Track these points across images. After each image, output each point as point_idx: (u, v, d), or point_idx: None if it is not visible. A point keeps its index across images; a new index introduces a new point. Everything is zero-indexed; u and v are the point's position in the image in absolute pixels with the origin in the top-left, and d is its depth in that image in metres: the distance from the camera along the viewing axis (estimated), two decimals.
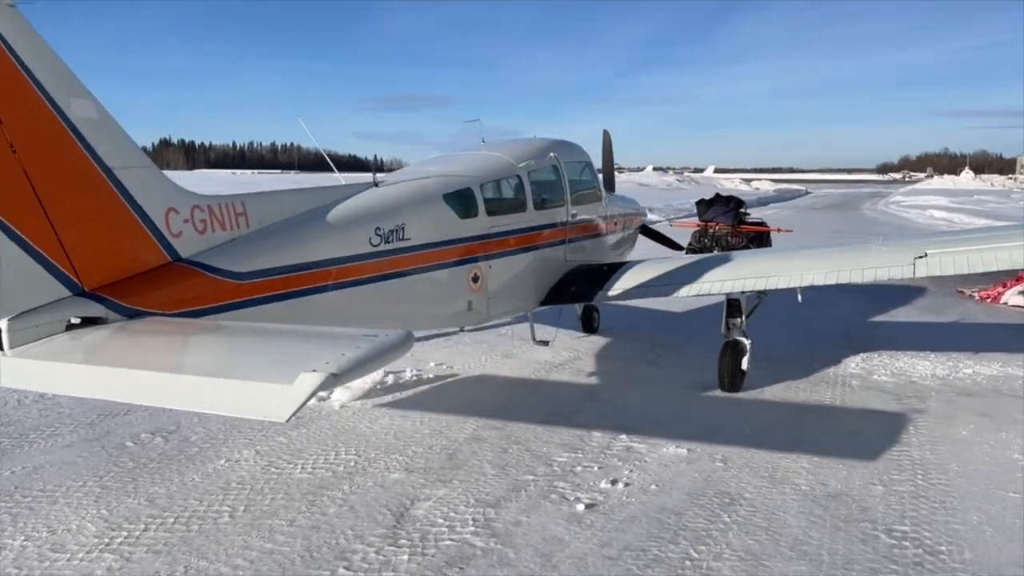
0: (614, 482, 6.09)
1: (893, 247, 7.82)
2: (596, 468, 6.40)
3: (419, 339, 10.70)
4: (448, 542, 5.15)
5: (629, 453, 6.74)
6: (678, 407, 8.08)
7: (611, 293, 8.57)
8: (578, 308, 11.07)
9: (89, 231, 4.68)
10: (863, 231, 30.78)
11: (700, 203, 20.77)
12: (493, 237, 7.84)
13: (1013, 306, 13.82)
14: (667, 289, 8.39)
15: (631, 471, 6.34)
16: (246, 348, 4.16)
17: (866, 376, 9.18)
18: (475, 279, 7.63)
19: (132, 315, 4.72)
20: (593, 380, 9.25)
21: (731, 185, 78.88)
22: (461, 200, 7.54)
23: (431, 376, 9.22)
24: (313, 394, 3.26)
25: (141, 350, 4.33)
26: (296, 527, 5.38)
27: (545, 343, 9.36)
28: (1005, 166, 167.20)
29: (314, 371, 3.29)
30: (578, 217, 9.33)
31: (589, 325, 11.56)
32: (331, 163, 8.01)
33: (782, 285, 7.85)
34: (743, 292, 8.23)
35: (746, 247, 17.90)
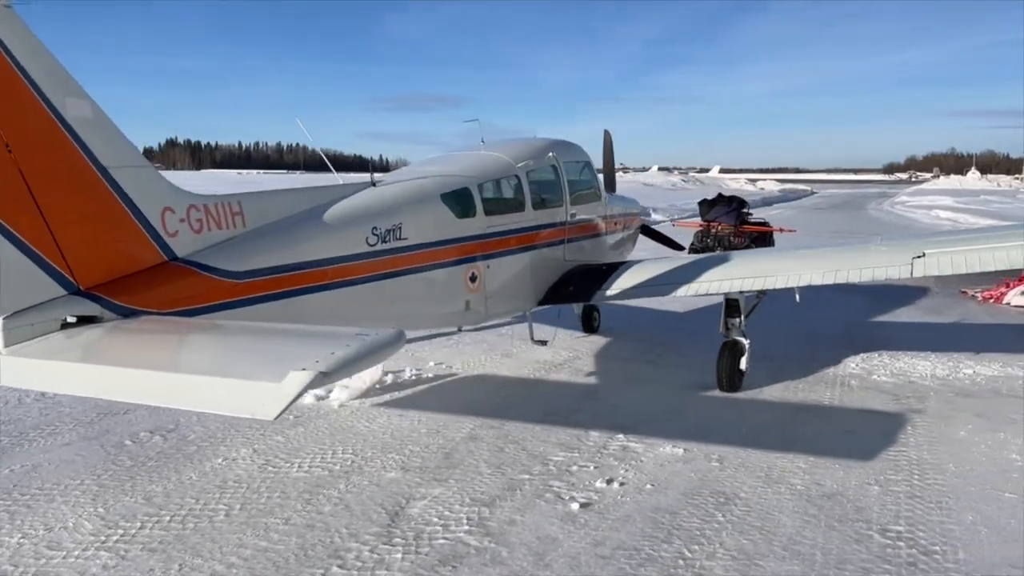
0: (609, 481, 6.09)
1: (892, 247, 7.82)
2: (592, 467, 6.41)
3: (419, 339, 10.75)
4: (442, 541, 5.17)
5: (625, 452, 6.74)
6: (676, 407, 8.08)
7: (609, 293, 8.57)
8: (576, 308, 11.06)
9: (84, 230, 4.71)
10: (866, 232, 30.68)
11: (703, 203, 20.78)
12: (491, 237, 7.86)
13: (1015, 306, 13.78)
14: (666, 289, 8.39)
15: (627, 470, 6.34)
16: (237, 347, 4.18)
17: (865, 376, 9.16)
18: (473, 279, 7.65)
19: (127, 314, 4.75)
20: (592, 380, 9.26)
21: (736, 185, 78.79)
22: (459, 200, 7.55)
23: (430, 376, 9.24)
24: (302, 392, 3.28)
25: (134, 349, 4.35)
26: (291, 525, 5.40)
27: (544, 343, 9.37)
28: (1012, 166, 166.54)
29: (303, 369, 3.31)
30: (577, 217, 9.34)
31: (589, 325, 11.56)
32: (329, 163, 8.03)
33: (780, 285, 7.84)
34: (741, 292, 8.22)
35: (748, 247, 17.89)
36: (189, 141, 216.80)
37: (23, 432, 7.24)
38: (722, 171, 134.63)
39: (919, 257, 7.31)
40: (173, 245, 5.23)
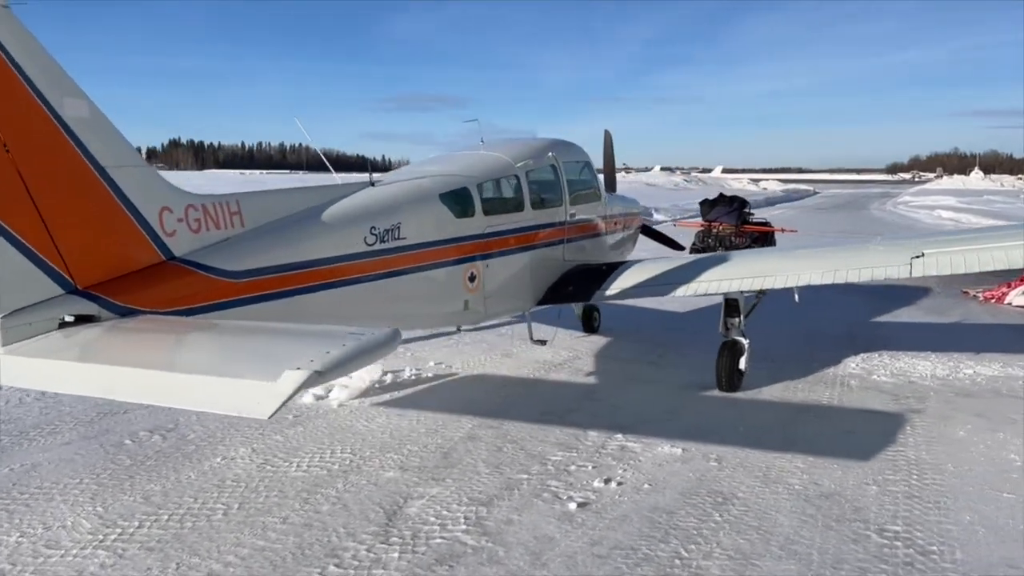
0: (607, 481, 6.10)
1: (890, 247, 7.82)
2: (590, 467, 6.41)
3: (419, 339, 10.76)
4: (439, 540, 5.17)
5: (623, 452, 6.74)
6: (675, 407, 8.08)
7: (609, 293, 8.57)
8: (576, 308, 11.06)
9: (82, 230, 4.71)
10: (869, 232, 30.65)
11: (704, 203, 20.76)
12: (490, 236, 7.86)
13: (1017, 307, 13.76)
14: (665, 289, 8.39)
15: (625, 470, 6.35)
16: (233, 346, 4.19)
17: (865, 376, 9.16)
18: (472, 278, 7.65)
19: (125, 313, 4.76)
20: (592, 380, 9.26)
21: (739, 185, 78.73)
22: (457, 200, 7.55)
23: (430, 375, 9.25)
24: (297, 391, 3.29)
25: (131, 348, 4.36)
26: (289, 524, 5.41)
27: (543, 342, 9.37)
28: (1016, 166, 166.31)
29: (298, 368, 3.32)
30: (577, 217, 9.34)
31: (590, 325, 11.56)
32: (328, 163, 8.04)
33: (779, 285, 7.84)
34: (741, 292, 8.22)
35: (750, 247, 17.88)
36: (192, 141, 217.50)
37: (23, 431, 7.26)
38: (725, 171, 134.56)
39: (918, 257, 7.30)
40: (171, 244, 5.24)
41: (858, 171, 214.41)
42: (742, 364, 8.49)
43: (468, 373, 9.44)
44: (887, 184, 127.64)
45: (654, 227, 14.11)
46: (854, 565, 4.82)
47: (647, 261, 9.24)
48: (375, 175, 7.42)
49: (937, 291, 15.28)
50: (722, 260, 8.66)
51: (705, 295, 8.58)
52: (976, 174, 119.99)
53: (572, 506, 5.66)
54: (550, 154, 9.04)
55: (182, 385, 3.61)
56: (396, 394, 8.51)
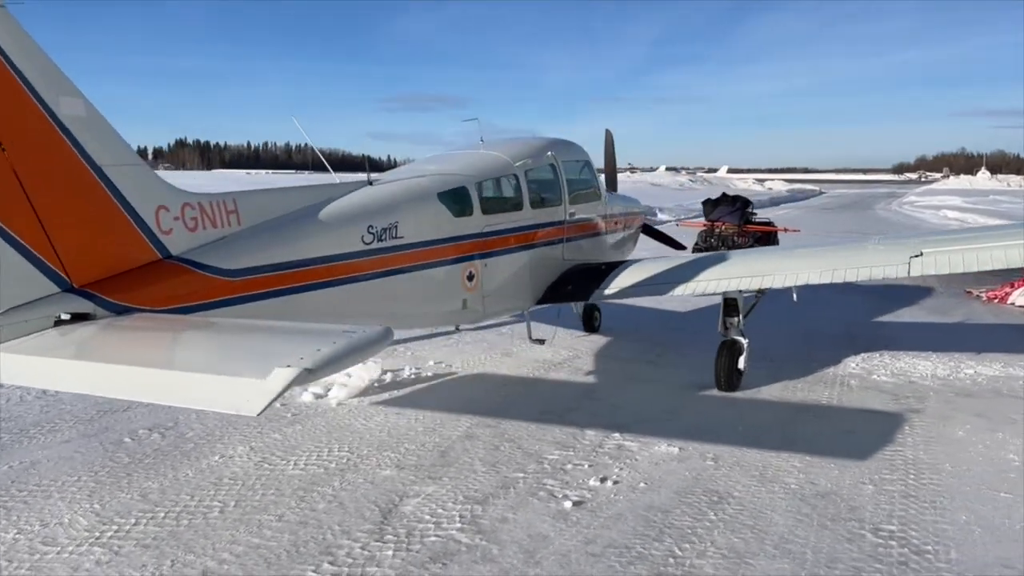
0: (603, 480, 6.10)
1: (889, 246, 7.80)
2: (586, 466, 6.41)
3: (418, 338, 10.78)
4: (433, 538, 5.18)
5: (620, 451, 6.74)
6: (674, 406, 8.07)
7: (608, 292, 8.57)
8: (575, 307, 11.06)
9: (78, 228, 4.73)
10: (872, 232, 30.54)
11: (707, 203, 20.75)
12: (488, 236, 7.87)
13: (1020, 307, 13.71)
14: (664, 288, 8.38)
15: (621, 469, 6.35)
16: (225, 344, 4.21)
17: (865, 376, 9.14)
18: (470, 277, 7.66)
19: (121, 311, 4.77)
20: (591, 379, 9.27)
21: (744, 185, 78.58)
22: (456, 199, 7.56)
23: (429, 374, 9.26)
24: (287, 388, 3.29)
25: (125, 346, 4.37)
26: (284, 522, 5.42)
27: (541, 341, 9.37)
28: (1022, 166, 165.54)
29: (288, 366, 3.33)
30: (576, 216, 9.34)
31: (590, 324, 11.57)
32: (326, 163, 8.06)
33: (777, 284, 7.83)
34: (740, 291, 8.21)
35: (753, 247, 17.85)
36: (198, 141, 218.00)
37: (23, 429, 7.29)
38: (730, 171, 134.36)
39: (916, 256, 7.28)
40: (167, 243, 5.26)
41: (864, 171, 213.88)
42: (741, 363, 8.48)
43: (468, 372, 9.45)
44: (893, 184, 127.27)
45: (655, 227, 14.11)
46: (848, 564, 4.82)
47: (646, 260, 9.24)
48: (373, 174, 7.44)
49: (940, 291, 15.24)
50: (721, 259, 8.65)
51: (704, 294, 8.58)
52: (983, 174, 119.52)
53: (567, 504, 5.66)
54: (549, 153, 9.04)
55: (173, 382, 3.62)
56: (395, 393, 8.52)
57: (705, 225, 19.99)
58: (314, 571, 4.76)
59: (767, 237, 19.27)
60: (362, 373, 8.60)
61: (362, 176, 7.34)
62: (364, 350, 3.69)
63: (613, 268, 8.96)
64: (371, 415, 7.76)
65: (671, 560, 4.88)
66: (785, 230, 20.64)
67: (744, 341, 8.49)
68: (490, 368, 9.66)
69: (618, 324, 11.86)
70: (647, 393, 8.51)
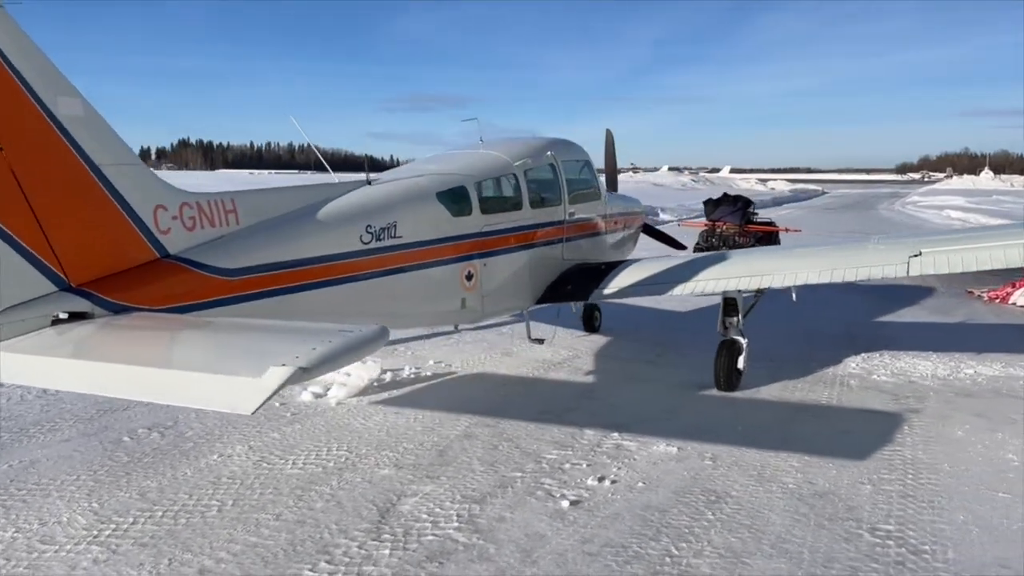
0: (601, 479, 6.10)
1: (888, 246, 7.80)
2: (584, 465, 6.41)
3: (419, 338, 10.78)
4: (431, 537, 5.19)
5: (619, 451, 6.74)
6: (674, 406, 8.07)
7: (607, 292, 8.58)
8: (573, 307, 11.06)
9: (76, 227, 4.74)
10: (875, 232, 30.51)
11: (708, 203, 20.76)
12: (487, 235, 7.87)
13: (1021, 307, 13.69)
14: (663, 288, 8.38)
15: (619, 468, 6.35)
16: (221, 343, 4.22)
17: (865, 376, 9.13)
18: (469, 277, 7.66)
19: (118, 310, 4.79)
20: (590, 379, 9.27)
21: (746, 185, 78.54)
22: (454, 198, 7.57)
23: (429, 374, 9.27)
24: (281, 387, 3.30)
25: (121, 345, 4.38)
26: (282, 521, 5.43)
27: (540, 341, 9.37)
28: None
29: (283, 365, 3.33)
30: (576, 216, 9.34)
31: (590, 324, 11.57)
32: (324, 162, 8.07)
33: (776, 284, 7.83)
34: (739, 291, 8.21)
35: (754, 247, 17.84)
36: (201, 141, 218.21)
37: (23, 428, 7.31)
38: (733, 171, 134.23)
39: (915, 256, 7.27)
40: (165, 242, 5.27)
41: (867, 171, 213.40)
42: (740, 363, 8.48)
43: (467, 372, 9.46)
44: (897, 184, 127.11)
45: (656, 227, 14.11)
46: (845, 564, 4.81)
47: (645, 260, 9.24)
48: (372, 174, 7.45)
49: (941, 291, 15.22)
50: (720, 259, 8.65)
51: (702, 294, 8.58)
52: (986, 174, 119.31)
53: (565, 504, 5.66)
54: (549, 153, 9.05)
55: (169, 381, 3.63)
56: (395, 392, 8.53)
57: (706, 225, 19.99)
58: (311, 570, 4.77)
59: (768, 237, 19.26)
60: (362, 372, 8.61)
61: (361, 176, 7.35)
62: (359, 349, 3.70)
63: (612, 268, 8.96)
64: (370, 414, 7.77)
65: (667, 559, 4.88)
66: (786, 230, 20.65)
67: (743, 341, 8.49)
68: (490, 368, 9.67)
69: (618, 324, 11.86)
70: (646, 393, 8.51)
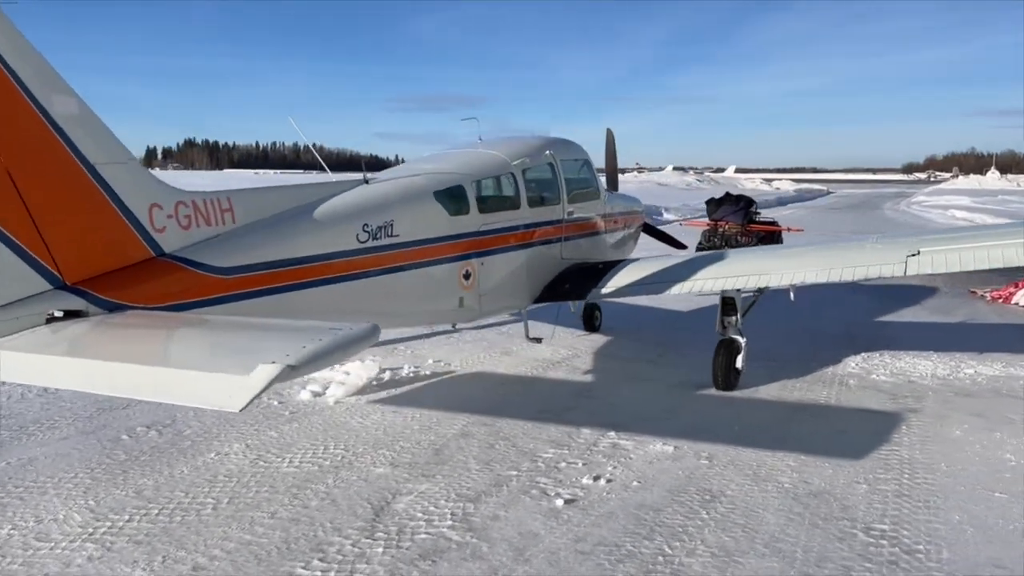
0: (596, 478, 6.10)
1: (887, 245, 7.78)
2: (580, 464, 6.41)
3: (418, 336, 10.79)
4: (424, 535, 5.19)
5: (615, 450, 6.74)
6: (671, 405, 8.06)
7: (605, 291, 8.57)
8: (572, 306, 11.05)
9: (71, 226, 4.76)
10: (877, 232, 30.42)
11: (710, 202, 20.73)
12: (485, 234, 7.88)
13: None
14: (661, 287, 8.37)
15: (615, 467, 6.34)
16: (213, 340, 4.23)
17: (864, 376, 9.11)
18: (466, 276, 7.67)
19: (113, 309, 4.80)
20: (589, 378, 9.27)
21: (751, 185, 78.41)
22: (452, 197, 7.58)
23: (427, 373, 9.28)
24: (270, 385, 3.30)
25: (114, 343, 4.40)
26: (276, 519, 5.45)
27: (538, 340, 9.37)
28: None
29: (272, 362, 3.34)
30: (575, 215, 9.34)
31: (591, 323, 11.56)
32: (322, 161, 8.10)
33: (775, 283, 7.82)
34: (737, 290, 8.20)
35: (756, 247, 17.82)
36: (207, 141, 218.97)
37: (23, 426, 7.34)
38: (738, 171, 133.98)
39: (914, 255, 7.26)
40: (160, 241, 5.28)
41: (873, 171, 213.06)
42: (739, 363, 8.46)
43: (466, 371, 9.47)
44: (902, 184, 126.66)
45: (657, 226, 14.09)
46: (838, 563, 4.80)
47: (644, 259, 9.23)
48: (369, 173, 7.46)
49: (944, 290, 15.18)
50: (719, 258, 8.63)
51: (701, 293, 8.56)
52: (992, 174, 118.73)
53: (559, 503, 5.66)
54: (547, 152, 9.05)
55: (160, 379, 3.63)
56: (393, 391, 8.54)
57: (709, 224, 19.96)
58: (304, 568, 4.79)
59: (771, 237, 19.22)
60: (360, 371, 8.63)
61: (358, 175, 7.36)
62: (350, 347, 3.71)
63: (611, 267, 8.96)
64: (368, 413, 7.78)
65: (660, 558, 4.88)
66: (788, 229, 20.61)
67: (742, 340, 8.48)
68: (489, 367, 9.67)
69: (619, 323, 11.85)
70: (646, 392, 8.50)
